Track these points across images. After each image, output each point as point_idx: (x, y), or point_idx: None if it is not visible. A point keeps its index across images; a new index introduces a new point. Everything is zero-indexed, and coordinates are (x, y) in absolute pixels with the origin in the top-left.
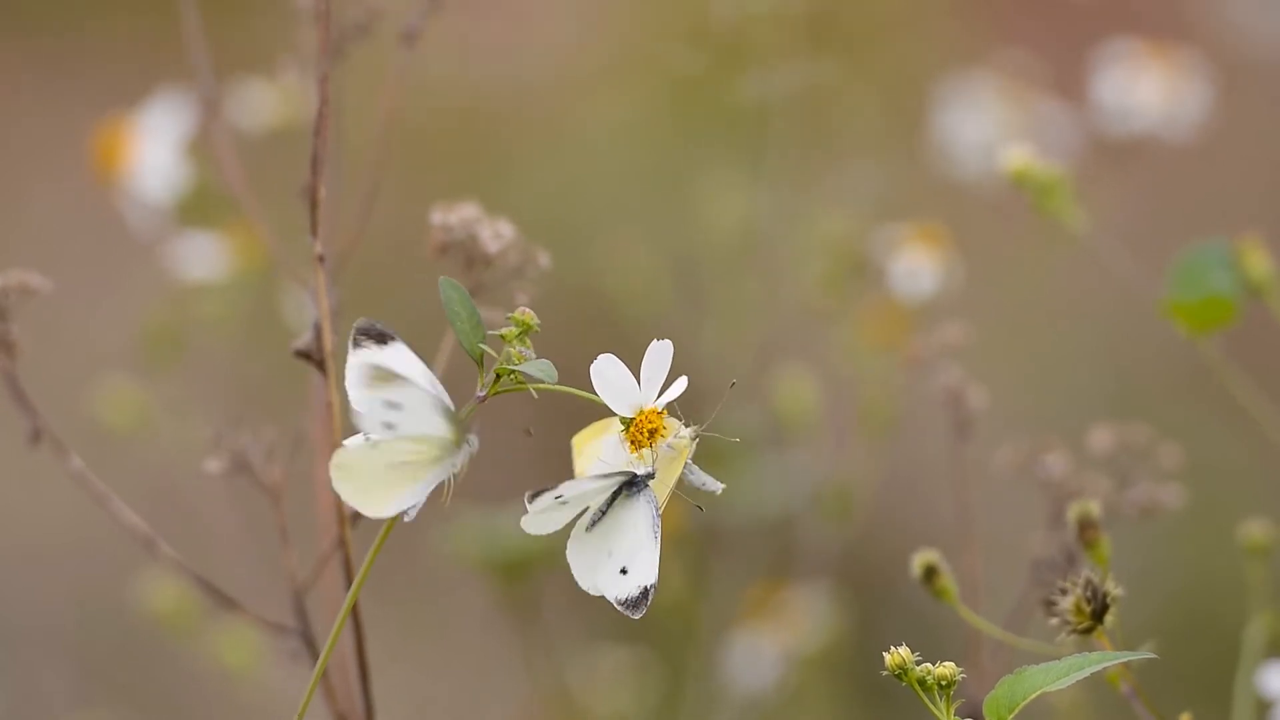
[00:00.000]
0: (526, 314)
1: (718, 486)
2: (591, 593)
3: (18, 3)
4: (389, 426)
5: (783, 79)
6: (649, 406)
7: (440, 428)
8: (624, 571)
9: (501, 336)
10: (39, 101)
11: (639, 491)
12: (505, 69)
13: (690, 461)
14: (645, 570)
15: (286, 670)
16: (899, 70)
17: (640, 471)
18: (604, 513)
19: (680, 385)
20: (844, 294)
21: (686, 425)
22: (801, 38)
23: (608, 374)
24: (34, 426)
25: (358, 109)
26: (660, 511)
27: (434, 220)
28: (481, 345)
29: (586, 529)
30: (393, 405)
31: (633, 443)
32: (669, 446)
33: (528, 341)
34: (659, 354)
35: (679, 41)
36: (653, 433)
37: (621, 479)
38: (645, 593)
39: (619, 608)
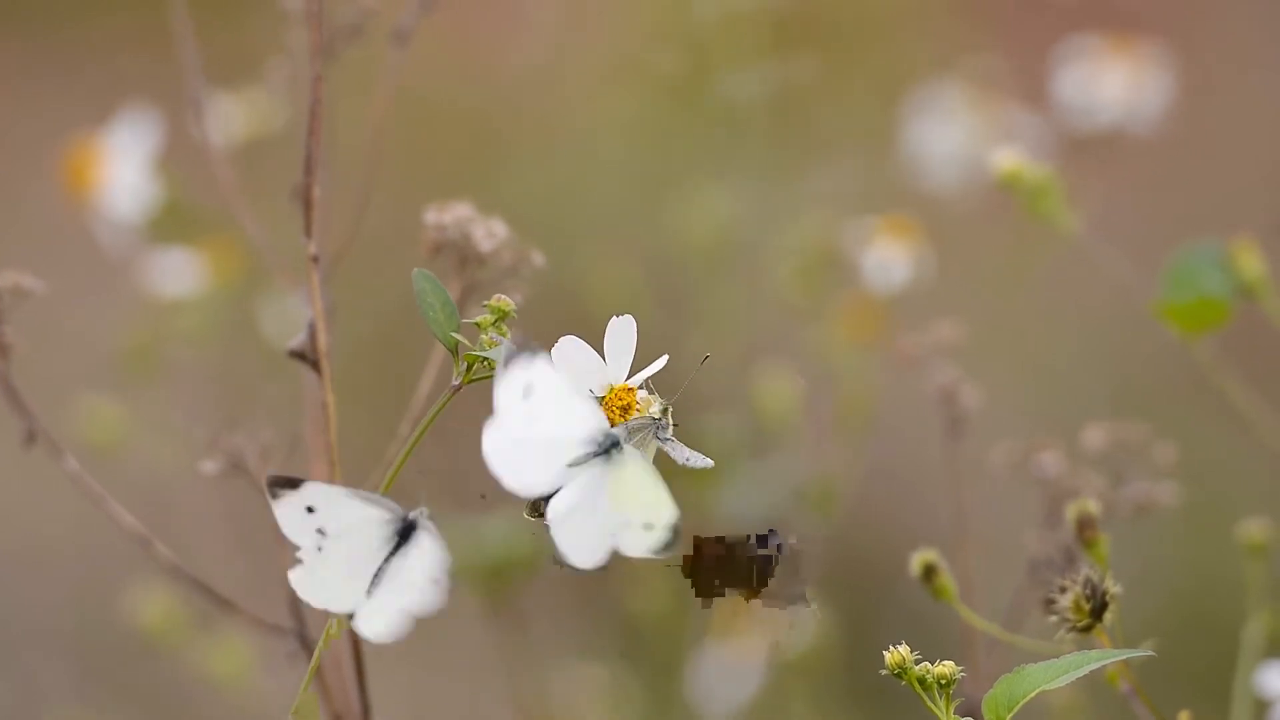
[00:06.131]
0: (503, 300)
1: (706, 462)
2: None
3: (16, 0)
4: None
5: (770, 77)
6: (619, 384)
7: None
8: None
9: (476, 324)
10: (37, 100)
11: None
12: (498, 69)
13: (673, 439)
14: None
15: (285, 671)
16: (890, 70)
17: None
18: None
19: (659, 364)
20: (820, 291)
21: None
22: (791, 37)
23: (570, 355)
24: (29, 428)
25: (350, 109)
26: None
27: (427, 220)
28: (455, 335)
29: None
30: None
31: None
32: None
33: (504, 329)
34: (621, 329)
35: (668, 41)
36: (625, 409)
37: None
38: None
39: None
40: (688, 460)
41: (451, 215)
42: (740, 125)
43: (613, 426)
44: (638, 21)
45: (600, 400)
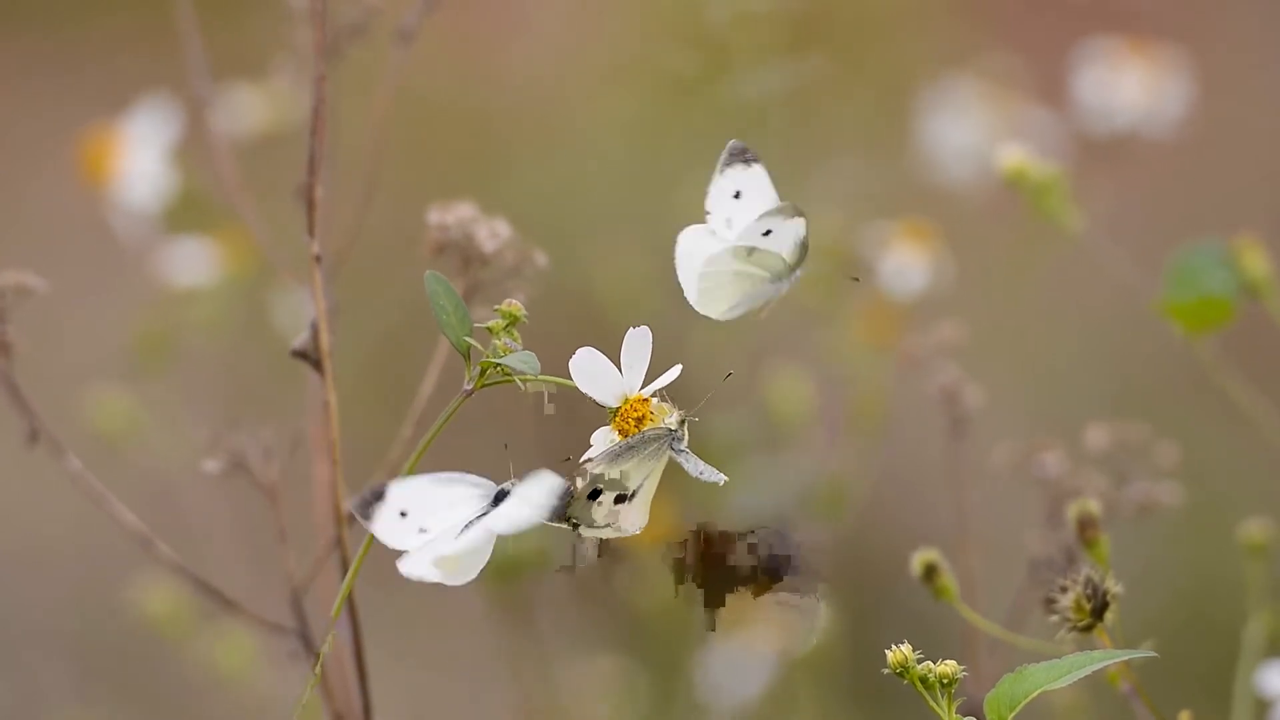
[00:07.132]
0: (514, 305)
1: (719, 478)
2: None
3: (16, 0)
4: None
5: (776, 78)
6: (634, 394)
7: (789, 255)
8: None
9: (488, 329)
10: (37, 99)
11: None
12: (501, 69)
13: (687, 450)
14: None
15: (286, 670)
16: (896, 69)
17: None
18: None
19: (672, 373)
20: (834, 293)
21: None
22: (798, 37)
23: (587, 366)
24: (31, 427)
25: (354, 109)
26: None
27: (430, 220)
28: (468, 339)
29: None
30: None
31: (620, 432)
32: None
33: (515, 334)
34: (637, 341)
35: (674, 41)
36: (639, 420)
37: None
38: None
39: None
40: (701, 474)
41: (454, 215)
42: (744, 124)
43: (628, 437)
44: (639, 21)
45: (615, 411)
